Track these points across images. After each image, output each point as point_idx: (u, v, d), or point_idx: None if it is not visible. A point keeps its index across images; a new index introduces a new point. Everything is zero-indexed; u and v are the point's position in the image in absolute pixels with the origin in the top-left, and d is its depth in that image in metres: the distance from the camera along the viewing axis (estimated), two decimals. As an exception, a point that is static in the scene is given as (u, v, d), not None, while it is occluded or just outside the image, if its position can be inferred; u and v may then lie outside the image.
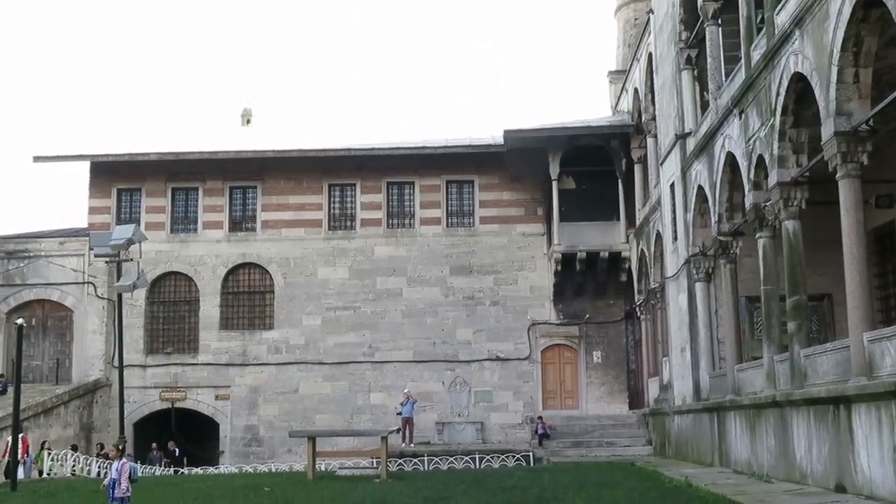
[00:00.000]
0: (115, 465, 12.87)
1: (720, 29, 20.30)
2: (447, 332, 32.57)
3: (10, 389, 25.23)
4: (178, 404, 32.64)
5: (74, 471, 25.59)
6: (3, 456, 23.37)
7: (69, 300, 33.37)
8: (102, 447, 29.71)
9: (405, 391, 30.16)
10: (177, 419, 32.53)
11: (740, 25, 18.01)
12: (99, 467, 26.45)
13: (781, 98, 15.21)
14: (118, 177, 33.85)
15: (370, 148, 33.32)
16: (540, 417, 29.55)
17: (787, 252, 15.42)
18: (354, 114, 67.01)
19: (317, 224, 33.46)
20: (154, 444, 30.88)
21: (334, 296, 32.88)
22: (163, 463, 29.71)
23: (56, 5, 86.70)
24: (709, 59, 20.53)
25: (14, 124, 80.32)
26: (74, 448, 27.75)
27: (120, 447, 13.67)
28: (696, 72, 22.45)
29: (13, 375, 20.34)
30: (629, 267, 31.03)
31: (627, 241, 30.96)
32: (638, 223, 29.96)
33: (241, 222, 33.94)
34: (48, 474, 25.04)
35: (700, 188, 21.18)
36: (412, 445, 28.80)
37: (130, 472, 12.71)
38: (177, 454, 30.80)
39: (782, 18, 15.11)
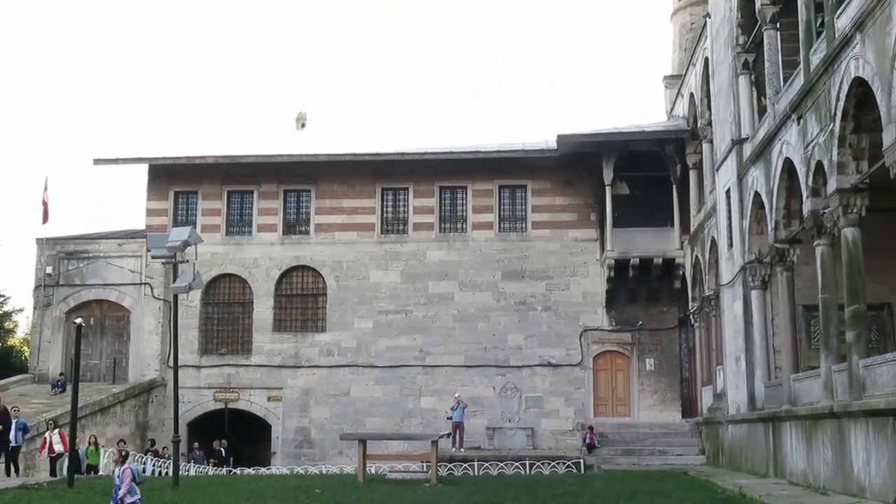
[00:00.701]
0: (117, 471, 12.83)
1: (778, 33, 19.98)
2: (498, 337, 32.49)
3: (69, 387, 25.68)
4: (231, 405, 33.01)
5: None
6: (42, 450, 23.59)
7: (126, 301, 33.93)
8: (153, 443, 30.02)
9: (456, 396, 30.12)
10: (230, 420, 32.91)
11: (799, 29, 17.71)
12: (154, 466, 26.86)
13: (841, 103, 14.93)
14: (175, 179, 34.35)
15: (423, 152, 33.39)
16: (590, 427, 29.21)
17: (846, 260, 15.12)
18: (407, 118, 67.23)
19: (369, 228, 33.62)
20: (196, 444, 31.14)
21: (386, 299, 32.99)
22: (208, 462, 29.91)
23: (116, 10, 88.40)
24: (766, 64, 20.23)
25: (75, 127, 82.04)
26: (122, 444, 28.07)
27: (123, 452, 13.69)
28: (753, 76, 22.14)
29: (72, 374, 20.70)
30: (683, 274, 30.68)
31: (682, 248, 30.62)
32: (692, 229, 29.62)
33: (294, 225, 34.22)
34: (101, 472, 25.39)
35: (756, 194, 20.87)
36: (462, 450, 28.76)
37: (134, 476, 12.70)
38: (223, 454, 30.96)
39: (843, 22, 14.84)
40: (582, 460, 27.15)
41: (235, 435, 32.63)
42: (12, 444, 22.24)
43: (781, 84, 19.45)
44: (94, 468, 24.31)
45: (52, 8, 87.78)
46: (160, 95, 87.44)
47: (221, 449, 31.13)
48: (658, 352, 32.21)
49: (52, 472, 23.05)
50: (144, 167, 34.57)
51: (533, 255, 32.88)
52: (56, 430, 23.52)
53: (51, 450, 23.24)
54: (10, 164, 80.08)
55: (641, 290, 31.85)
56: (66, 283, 34.13)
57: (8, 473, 22.09)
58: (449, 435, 27.96)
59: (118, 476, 12.62)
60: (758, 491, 15.94)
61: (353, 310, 33.04)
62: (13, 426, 22.36)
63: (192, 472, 26.68)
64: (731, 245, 23.53)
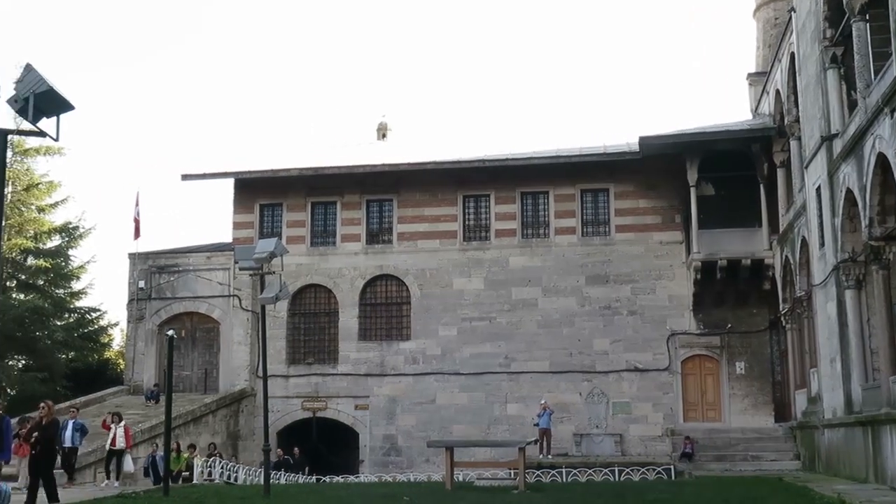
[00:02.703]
0: None
1: (867, 24, 19.36)
2: (584, 343, 32.20)
3: (163, 398, 26.22)
4: (319, 414, 33.40)
5: (222, 475, 26.36)
6: (112, 444, 23.43)
7: (216, 312, 34.63)
8: (215, 447, 29.88)
9: (542, 402, 29.96)
10: (318, 428, 33.28)
11: (890, 20, 17.13)
12: (246, 474, 27.27)
13: (937, 94, 14.40)
14: (260, 192, 34.96)
15: (504, 158, 33.34)
16: (687, 437, 28.57)
17: (946, 257, 14.56)
18: (487, 124, 67.25)
19: (452, 235, 33.69)
20: (279, 451, 30.98)
21: (470, 306, 32.99)
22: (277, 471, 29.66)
23: (199, 29, 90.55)
24: (856, 57, 19.63)
25: (164, 144, 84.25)
26: (218, 454, 28.46)
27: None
28: (842, 70, 21.51)
29: (165, 385, 21.16)
30: (773, 275, 29.96)
31: (770, 248, 29.91)
32: (781, 229, 28.92)
33: (377, 235, 34.51)
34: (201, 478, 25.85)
35: (849, 191, 20.26)
36: (550, 457, 28.57)
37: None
38: (290, 461, 30.22)
39: (936, 10, 14.32)
40: (672, 466, 26.69)
41: (324, 443, 32.97)
42: (68, 444, 22.07)
43: (872, 77, 18.84)
44: (174, 473, 24.37)
45: (135, 26, 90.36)
46: (245, 109, 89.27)
47: (289, 457, 30.46)
48: (748, 355, 31.52)
49: (108, 466, 23.17)
50: (230, 181, 35.27)
51: (617, 258, 32.52)
52: (122, 424, 23.56)
53: (112, 443, 23.23)
54: (103, 182, 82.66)
55: (729, 293, 31.20)
56: (158, 297, 34.99)
57: (70, 477, 22.12)
58: (536, 441, 27.81)
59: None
60: (858, 497, 15.42)
61: (436, 317, 33.13)
62: (69, 427, 22.16)
63: (282, 481, 27.03)
64: (822, 244, 22.89)
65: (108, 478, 23.21)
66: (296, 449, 31.13)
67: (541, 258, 33.01)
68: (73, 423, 22.53)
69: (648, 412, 31.53)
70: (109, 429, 23.58)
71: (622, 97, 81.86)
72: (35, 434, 15.52)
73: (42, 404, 16.26)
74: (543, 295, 32.69)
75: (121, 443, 23.22)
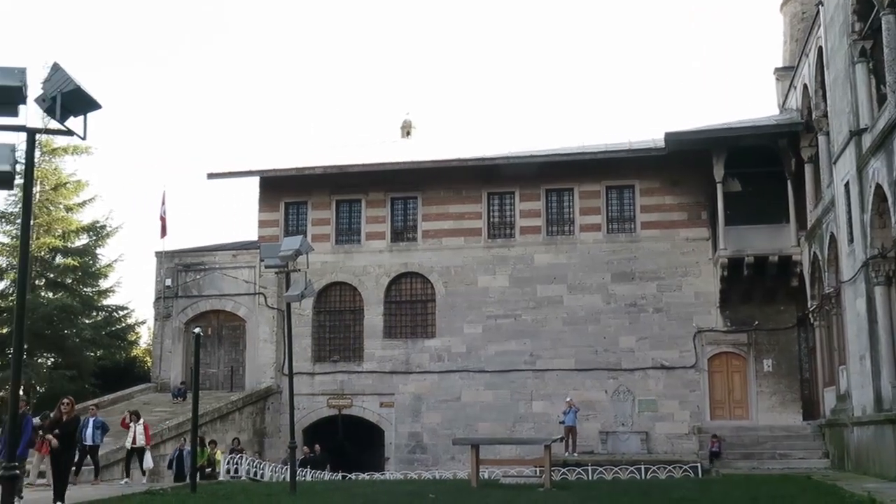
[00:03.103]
0: None
1: (897, 17, 19.15)
2: (609, 340, 32.06)
3: (190, 396, 26.34)
4: (344, 411, 33.46)
5: (248, 472, 26.50)
6: (132, 443, 23.42)
7: (242, 310, 34.78)
8: (238, 442, 29.92)
9: (567, 400, 29.87)
10: (343, 425, 33.35)
11: (920, 12, 16.94)
12: (271, 470, 27.40)
13: (969, 87, 14.20)
14: (285, 191, 35.07)
15: (528, 155, 33.24)
16: (714, 436, 28.32)
17: (979, 252, 14.35)
18: (511, 122, 67.15)
19: (476, 233, 33.64)
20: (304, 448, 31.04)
21: (495, 304, 32.94)
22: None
23: (220, 27, 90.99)
24: (885, 51, 19.39)
25: (190, 143, 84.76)
26: (240, 450, 28.52)
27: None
28: (871, 64, 21.24)
29: (192, 382, 21.25)
30: (801, 271, 29.67)
31: (798, 245, 29.63)
32: (809, 225, 28.65)
33: (402, 232, 34.52)
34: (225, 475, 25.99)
35: (878, 186, 20.03)
36: (575, 454, 28.49)
37: None
38: (313, 458, 30.01)
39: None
40: (699, 464, 26.53)
41: (349, 440, 33.04)
42: (89, 443, 21.96)
43: (902, 71, 18.62)
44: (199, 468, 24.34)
45: (162, 25, 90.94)
46: (270, 108, 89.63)
47: (312, 454, 30.30)
48: (776, 352, 31.27)
49: (127, 464, 23.20)
50: (256, 180, 35.40)
51: (643, 255, 32.36)
52: (140, 422, 23.57)
53: (133, 442, 23.29)
54: (130, 181, 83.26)
55: (756, 290, 30.96)
56: (185, 295, 35.19)
57: (77, 472, 21.53)
58: (562, 439, 27.74)
59: None
60: (889, 496, 15.22)
61: (461, 315, 33.11)
62: (90, 425, 22.02)
63: (308, 478, 27.11)
64: (851, 240, 22.65)
65: (129, 476, 23.27)
66: (317, 446, 31.16)
67: (566, 255, 32.89)
68: (94, 420, 22.46)
69: (675, 410, 31.35)
70: (128, 427, 23.64)
71: (647, 94, 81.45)
72: (55, 430, 15.51)
73: (64, 400, 16.27)
74: (569, 292, 32.57)
75: (140, 440, 23.34)
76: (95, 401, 29.47)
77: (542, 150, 33.39)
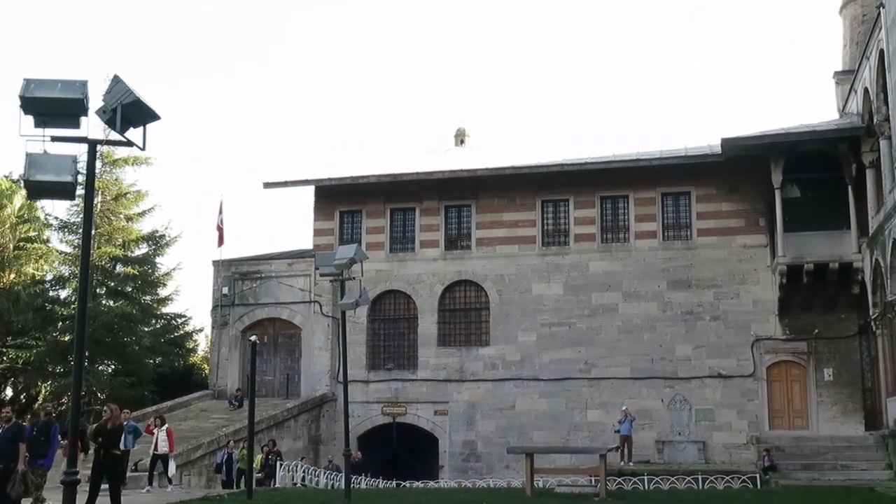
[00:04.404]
0: None
1: (961, 19, 18.71)
2: (665, 348, 31.73)
3: (246, 403, 26.52)
4: (398, 419, 33.55)
5: (304, 480, 26.65)
6: (154, 449, 22.82)
7: (297, 318, 35.08)
8: (274, 444, 29.74)
9: (623, 408, 29.60)
10: (398, 433, 33.43)
11: None
12: (327, 478, 27.55)
13: None
14: (340, 199, 35.32)
15: (583, 162, 33.04)
16: (766, 449, 27.77)
17: None
18: (566, 129, 66.83)
19: (530, 241, 33.55)
20: (330, 456, 31.18)
21: (549, 312, 32.79)
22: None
23: (276, 40, 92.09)
24: (949, 52, 18.97)
25: (246, 153, 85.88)
26: (277, 452, 28.27)
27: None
28: (934, 67, 20.80)
29: (248, 390, 21.44)
30: (862, 278, 29.07)
31: (860, 251, 29.03)
32: (871, 231, 28.05)
33: (456, 241, 34.55)
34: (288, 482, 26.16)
35: (942, 192, 19.56)
36: (631, 464, 28.20)
37: None
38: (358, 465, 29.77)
39: None
40: (758, 475, 26.09)
41: (404, 448, 33.10)
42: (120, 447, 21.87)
43: (966, 73, 18.18)
44: (244, 472, 24.07)
45: (219, 38, 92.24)
46: (325, 117, 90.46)
47: (336, 464, 29.60)
48: (837, 361, 30.67)
49: (151, 471, 22.44)
50: (311, 188, 35.70)
51: (699, 263, 31.99)
52: (164, 428, 22.78)
53: (155, 448, 22.52)
54: (189, 191, 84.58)
55: (816, 297, 30.40)
56: (241, 303, 35.60)
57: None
58: (617, 448, 27.49)
59: None
60: (955, 509, 14.84)
61: (516, 323, 33.02)
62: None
63: (363, 485, 27.22)
64: (914, 246, 22.13)
65: (150, 483, 22.44)
66: (357, 453, 31.33)
67: (621, 263, 32.64)
68: (126, 424, 22.25)
69: (732, 419, 30.90)
70: (153, 433, 22.97)
71: (705, 99, 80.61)
72: (99, 439, 14.79)
73: (106, 408, 15.82)
74: (624, 300, 32.31)
75: (163, 447, 22.48)
76: (154, 407, 29.87)
77: (596, 158, 33.16)
